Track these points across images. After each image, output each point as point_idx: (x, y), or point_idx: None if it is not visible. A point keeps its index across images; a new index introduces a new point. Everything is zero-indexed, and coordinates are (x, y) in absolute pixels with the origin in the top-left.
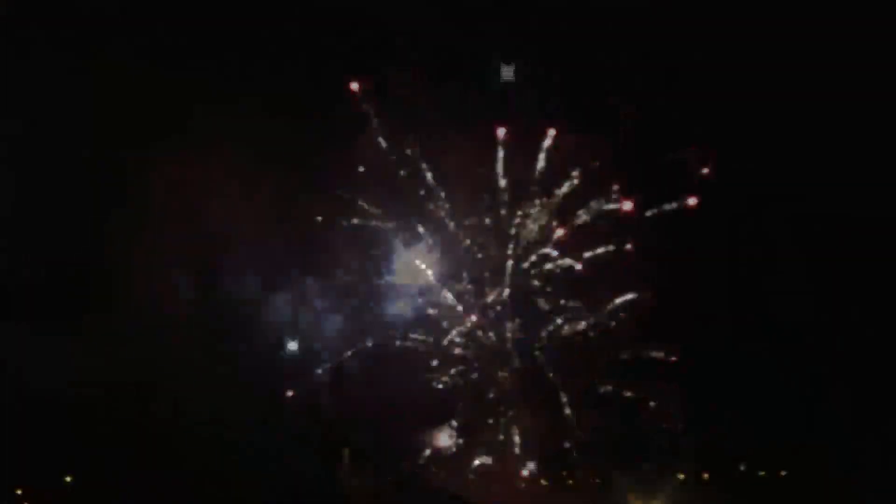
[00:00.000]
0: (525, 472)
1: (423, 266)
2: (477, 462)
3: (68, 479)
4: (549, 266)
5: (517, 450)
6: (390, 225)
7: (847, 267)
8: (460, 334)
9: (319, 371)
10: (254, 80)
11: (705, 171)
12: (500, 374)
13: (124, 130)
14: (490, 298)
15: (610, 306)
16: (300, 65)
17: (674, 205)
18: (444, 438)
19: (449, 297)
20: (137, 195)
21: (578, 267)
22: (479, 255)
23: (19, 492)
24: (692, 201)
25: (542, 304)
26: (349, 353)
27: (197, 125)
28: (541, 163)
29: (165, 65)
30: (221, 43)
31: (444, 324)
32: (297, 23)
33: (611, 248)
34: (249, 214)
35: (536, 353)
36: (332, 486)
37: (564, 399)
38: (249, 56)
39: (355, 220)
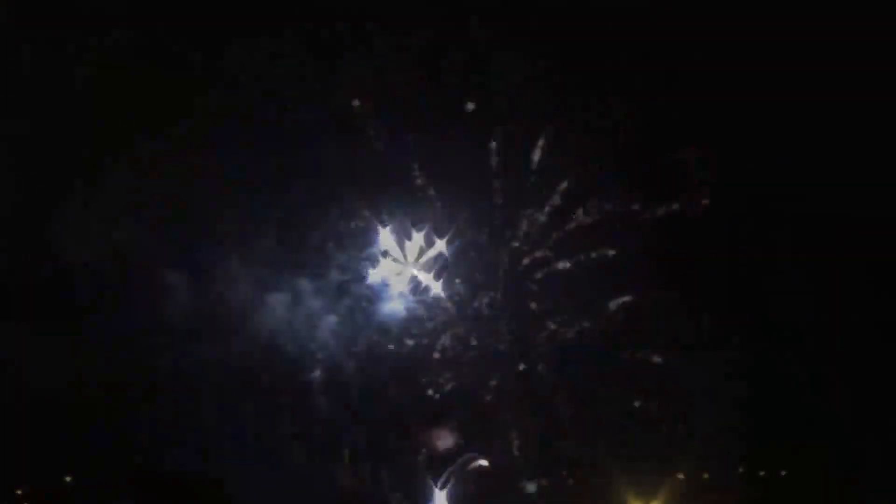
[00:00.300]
0: (524, 474)
1: (417, 267)
2: (476, 464)
3: (68, 479)
4: (545, 268)
5: (516, 451)
6: (383, 224)
7: (848, 267)
8: (455, 336)
9: (315, 372)
10: (246, 76)
11: (706, 172)
12: (497, 375)
13: (119, 129)
14: (485, 300)
15: (608, 308)
16: (295, 61)
17: (674, 206)
18: (442, 440)
19: (443, 298)
20: (125, 192)
21: (573, 268)
22: (473, 256)
23: (19, 492)
24: (705, 202)
25: (539, 305)
26: (345, 353)
27: (191, 123)
28: (537, 163)
29: (160, 63)
30: (215, 37)
31: (439, 325)
32: (292, 18)
33: (608, 250)
34: (243, 213)
35: (533, 354)
36: (331, 487)
37: (562, 401)
38: (243, 51)
39: (348, 220)
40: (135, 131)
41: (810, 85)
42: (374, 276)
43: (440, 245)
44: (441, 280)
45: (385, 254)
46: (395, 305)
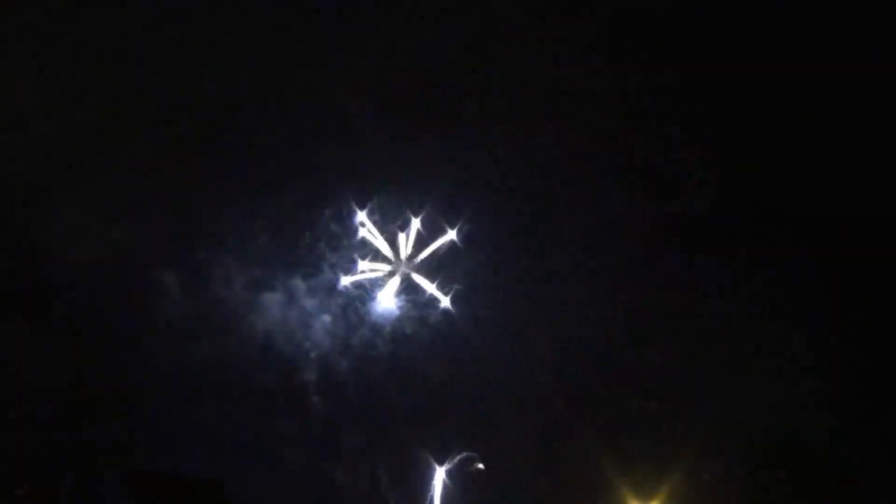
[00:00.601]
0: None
1: (410, 267)
2: (475, 464)
3: (67, 478)
4: (543, 267)
5: (515, 451)
6: (376, 224)
7: (849, 266)
8: (450, 334)
9: (310, 372)
10: (244, 75)
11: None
12: (496, 375)
13: (117, 129)
14: (483, 301)
15: (606, 311)
16: (292, 61)
17: (675, 206)
18: (441, 440)
19: (443, 299)
20: (122, 191)
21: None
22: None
23: (19, 492)
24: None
25: (537, 305)
26: (339, 352)
27: (187, 123)
28: (530, 164)
29: (159, 61)
30: (214, 36)
31: (434, 323)
32: (291, 19)
33: (606, 250)
34: (237, 213)
35: (532, 354)
36: (327, 485)
37: (562, 401)
38: (241, 51)
39: (341, 221)
40: (130, 132)
41: (810, 86)
42: (366, 275)
43: (451, 234)
44: (437, 282)
45: (377, 254)
46: (388, 305)
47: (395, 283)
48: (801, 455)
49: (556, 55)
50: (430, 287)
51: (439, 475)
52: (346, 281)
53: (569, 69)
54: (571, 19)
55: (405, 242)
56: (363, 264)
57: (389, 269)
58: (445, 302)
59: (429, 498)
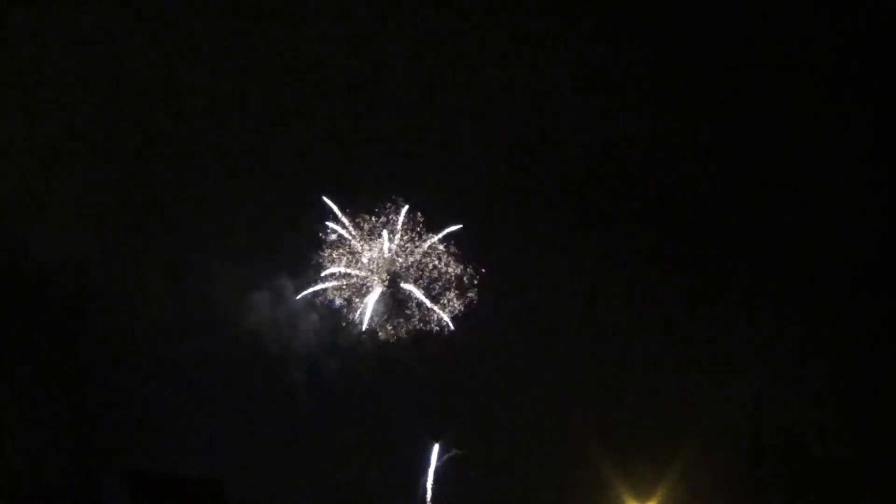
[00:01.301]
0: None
1: (395, 265)
2: (471, 475)
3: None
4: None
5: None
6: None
7: (846, 267)
8: (436, 331)
9: (299, 372)
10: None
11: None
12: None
13: (115, 130)
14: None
15: (604, 310)
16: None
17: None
18: (427, 435)
19: (426, 300)
20: (115, 193)
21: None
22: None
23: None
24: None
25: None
26: (325, 350)
27: (178, 124)
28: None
29: (143, 62)
30: (201, 37)
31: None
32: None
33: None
34: (226, 213)
35: (522, 349)
36: (326, 484)
37: (560, 401)
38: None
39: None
40: (118, 131)
41: (811, 85)
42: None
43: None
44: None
45: (367, 254)
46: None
47: (377, 289)
48: (801, 455)
49: (556, 53)
50: (424, 297)
51: (429, 474)
52: (320, 286)
53: (568, 66)
54: (571, 16)
55: (388, 239)
56: (333, 269)
57: (366, 273)
58: (447, 320)
59: (420, 496)
